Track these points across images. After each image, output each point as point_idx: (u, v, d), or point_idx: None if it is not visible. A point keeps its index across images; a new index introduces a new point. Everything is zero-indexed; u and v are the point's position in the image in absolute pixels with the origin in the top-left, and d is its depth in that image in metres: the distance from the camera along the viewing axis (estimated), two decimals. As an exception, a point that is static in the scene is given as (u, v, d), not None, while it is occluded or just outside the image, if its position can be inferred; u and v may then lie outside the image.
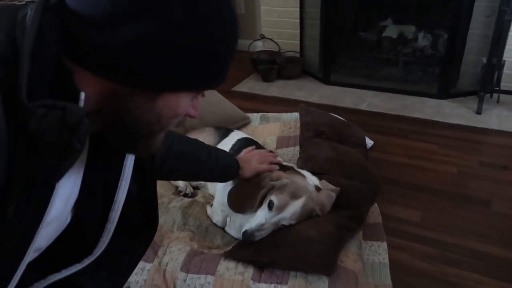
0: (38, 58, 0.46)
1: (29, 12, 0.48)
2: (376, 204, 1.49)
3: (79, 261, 0.69)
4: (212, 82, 0.59)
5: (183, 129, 1.79)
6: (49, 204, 0.52)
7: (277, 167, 1.30)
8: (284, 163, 1.40)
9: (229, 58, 0.60)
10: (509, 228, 1.46)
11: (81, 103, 0.49)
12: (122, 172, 0.67)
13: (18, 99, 0.44)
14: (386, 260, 1.33)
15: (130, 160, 0.67)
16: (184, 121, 0.64)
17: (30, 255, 0.55)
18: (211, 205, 1.42)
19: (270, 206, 1.16)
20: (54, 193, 0.52)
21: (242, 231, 1.18)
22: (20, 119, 0.45)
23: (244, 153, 1.35)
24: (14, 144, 0.45)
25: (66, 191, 0.60)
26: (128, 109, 0.55)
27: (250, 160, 1.28)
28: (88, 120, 0.48)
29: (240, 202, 1.24)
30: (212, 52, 0.55)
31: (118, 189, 0.67)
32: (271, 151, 1.44)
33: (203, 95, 0.63)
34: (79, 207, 0.65)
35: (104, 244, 0.70)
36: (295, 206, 1.16)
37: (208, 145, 1.19)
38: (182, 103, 0.58)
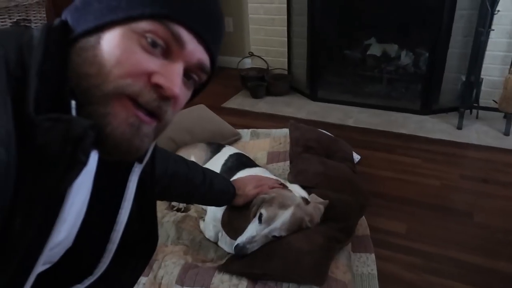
0: (45, 75, 0.49)
1: (35, 34, 0.52)
2: (363, 217, 1.54)
3: (79, 281, 0.69)
4: (143, 5, 0.51)
5: (174, 145, 1.82)
6: (58, 217, 0.53)
7: (267, 188, 1.30)
8: (272, 177, 1.44)
9: None
10: (490, 239, 1.53)
11: (73, 111, 0.51)
12: (125, 193, 0.67)
13: (26, 114, 0.47)
14: (375, 271, 1.38)
15: (132, 182, 0.68)
16: (154, 98, 0.53)
17: (39, 267, 0.55)
18: (204, 220, 1.45)
19: (260, 218, 1.20)
20: (62, 206, 0.53)
21: (234, 244, 1.21)
22: (28, 132, 0.47)
23: (244, 175, 1.34)
24: (22, 157, 0.47)
25: (78, 207, 0.61)
26: (74, 69, 0.52)
27: (246, 185, 1.27)
28: (92, 132, 0.49)
29: (234, 227, 1.27)
30: None
31: (120, 210, 0.67)
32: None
33: (171, 53, 0.54)
34: (82, 226, 0.65)
35: (104, 265, 0.70)
36: (284, 216, 1.20)
37: (205, 169, 1.17)
38: (122, 43, 0.51)
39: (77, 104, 0.51)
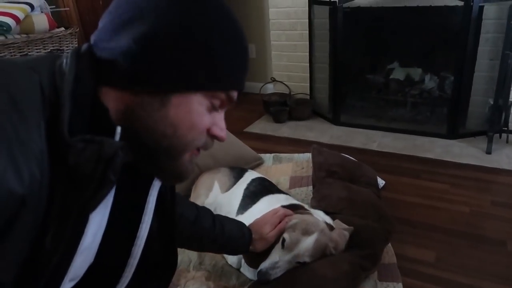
0: (76, 98, 0.52)
1: (65, 60, 0.56)
2: (390, 244, 1.50)
3: None
4: (218, 81, 0.59)
5: (198, 169, 1.84)
6: (84, 234, 0.55)
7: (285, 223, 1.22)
8: (295, 202, 1.43)
9: (236, 56, 0.61)
10: (526, 269, 1.45)
11: (117, 137, 0.54)
12: (145, 207, 0.69)
13: (60, 135, 0.49)
14: (403, 301, 1.33)
15: (153, 196, 0.69)
16: (211, 143, 0.65)
17: (66, 284, 0.57)
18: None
19: (283, 244, 1.19)
20: (88, 223, 0.54)
21: (257, 270, 1.19)
22: (61, 153, 0.49)
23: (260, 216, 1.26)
24: (55, 177, 0.49)
25: (96, 223, 0.62)
26: (142, 121, 0.57)
27: (263, 227, 1.19)
28: (122, 153, 0.52)
29: (257, 259, 1.22)
30: (210, 47, 0.57)
31: (141, 225, 0.69)
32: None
33: (223, 107, 0.64)
34: (103, 241, 0.67)
35: (126, 280, 0.71)
36: (308, 243, 1.18)
37: (216, 214, 1.12)
38: (195, 109, 0.58)
39: (122, 131, 0.56)
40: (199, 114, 0.59)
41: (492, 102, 2.34)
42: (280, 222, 1.23)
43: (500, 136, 2.42)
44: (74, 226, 0.53)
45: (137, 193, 0.69)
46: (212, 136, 0.64)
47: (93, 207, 0.54)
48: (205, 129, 0.62)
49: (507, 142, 2.40)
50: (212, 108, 0.62)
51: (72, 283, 0.65)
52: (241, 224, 1.17)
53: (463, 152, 2.37)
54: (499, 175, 2.11)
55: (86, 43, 0.60)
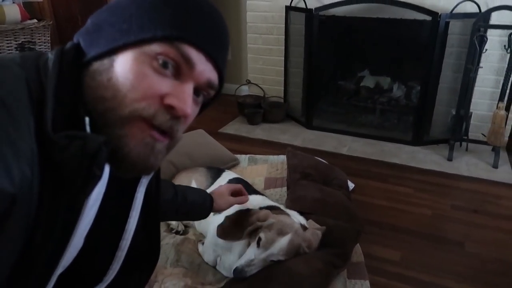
0: (59, 95, 0.53)
1: (50, 56, 0.56)
2: (358, 244, 1.58)
3: None
4: (151, 29, 0.54)
5: (174, 169, 1.85)
6: (74, 229, 0.56)
7: (248, 198, 1.34)
8: (272, 203, 1.48)
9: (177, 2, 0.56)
10: (482, 269, 1.57)
11: (87, 128, 0.54)
12: (133, 203, 0.71)
13: (45, 132, 0.50)
14: (370, 298, 1.40)
15: (140, 193, 0.71)
16: (166, 118, 0.55)
17: (59, 270, 0.59)
18: (203, 243, 1.47)
19: (259, 243, 1.24)
20: (79, 218, 0.55)
21: (233, 268, 1.23)
22: (47, 150, 0.50)
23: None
24: (44, 174, 0.50)
25: (89, 216, 0.64)
26: (90, 91, 0.55)
27: (223, 193, 1.28)
28: (106, 148, 0.52)
29: (228, 230, 1.31)
30: None
31: (129, 219, 0.70)
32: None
33: (182, 73, 0.56)
34: (92, 234, 0.68)
35: (114, 272, 0.73)
36: (282, 242, 1.24)
37: (177, 185, 1.17)
38: (135, 68, 0.54)
39: (90, 121, 0.54)
40: (140, 74, 0.54)
41: (454, 112, 2.49)
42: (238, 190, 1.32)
43: (461, 145, 2.58)
44: (64, 221, 0.54)
45: (125, 189, 0.70)
46: (167, 107, 0.55)
47: (81, 202, 0.55)
48: (152, 94, 0.54)
49: (466, 150, 2.56)
50: (162, 68, 0.55)
51: (64, 268, 0.67)
52: (201, 190, 1.25)
53: (426, 158, 2.50)
54: (459, 181, 2.25)
55: (71, 42, 0.60)
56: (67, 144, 0.50)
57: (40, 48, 2.62)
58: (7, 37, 2.41)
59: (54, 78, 0.53)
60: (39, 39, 2.62)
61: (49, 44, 2.69)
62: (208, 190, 1.59)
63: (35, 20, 2.60)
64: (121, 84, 0.53)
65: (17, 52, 2.47)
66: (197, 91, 0.60)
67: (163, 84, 0.55)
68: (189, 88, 0.57)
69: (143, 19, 0.55)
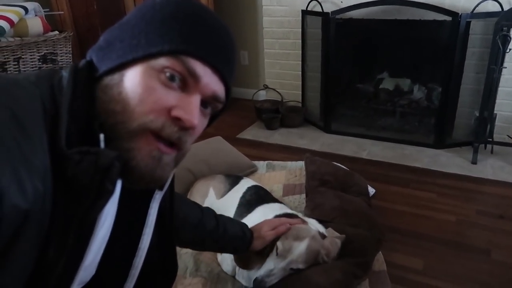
0: (74, 112, 0.54)
1: (64, 74, 0.58)
2: (380, 252, 1.55)
3: None
4: (157, 44, 0.56)
5: (192, 176, 1.86)
6: (88, 245, 0.56)
7: (286, 229, 1.26)
8: (289, 211, 1.47)
9: (181, 18, 0.58)
10: (508, 277, 1.51)
11: (102, 144, 0.55)
12: (147, 219, 0.71)
13: (58, 148, 0.51)
14: (392, 308, 1.37)
15: (153, 209, 0.71)
16: (173, 129, 0.57)
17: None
18: (221, 253, 1.47)
19: (277, 252, 1.23)
20: (93, 234, 0.56)
21: (253, 278, 1.23)
22: (60, 165, 0.51)
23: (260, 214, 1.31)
24: (57, 189, 0.51)
25: (102, 234, 0.64)
26: (102, 105, 0.57)
27: (261, 228, 1.24)
28: (118, 163, 0.53)
29: (246, 258, 1.27)
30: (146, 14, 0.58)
31: (142, 236, 0.71)
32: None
33: (188, 86, 0.58)
34: (106, 252, 0.68)
35: None
36: (300, 248, 1.22)
37: (219, 215, 1.15)
38: (143, 81, 0.55)
39: (105, 138, 0.55)
40: (148, 88, 0.55)
41: (477, 114, 2.42)
42: (279, 225, 1.27)
43: (485, 147, 2.50)
44: (77, 236, 0.54)
45: (138, 206, 0.71)
46: (175, 119, 0.56)
47: (94, 217, 0.55)
48: (159, 107, 0.56)
49: (491, 152, 2.48)
50: (169, 81, 0.56)
51: (80, 286, 0.67)
52: (242, 224, 1.21)
53: (449, 162, 2.44)
54: (483, 185, 2.19)
55: (84, 59, 0.62)
56: (80, 159, 0.51)
57: (62, 59, 2.69)
58: (30, 49, 2.48)
59: (68, 96, 0.55)
60: (60, 50, 2.69)
61: (71, 55, 2.76)
62: (225, 196, 1.60)
63: (57, 32, 2.67)
64: (130, 98, 0.55)
65: (48, 67, 2.55)
66: (204, 103, 0.62)
67: (170, 97, 0.57)
68: (195, 100, 0.59)
69: (151, 35, 0.57)
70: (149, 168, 0.57)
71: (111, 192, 0.54)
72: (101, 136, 0.55)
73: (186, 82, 0.58)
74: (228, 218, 1.20)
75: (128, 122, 0.55)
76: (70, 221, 0.52)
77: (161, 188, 0.71)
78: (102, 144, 0.55)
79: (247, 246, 1.19)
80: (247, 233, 1.19)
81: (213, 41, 0.60)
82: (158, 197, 0.71)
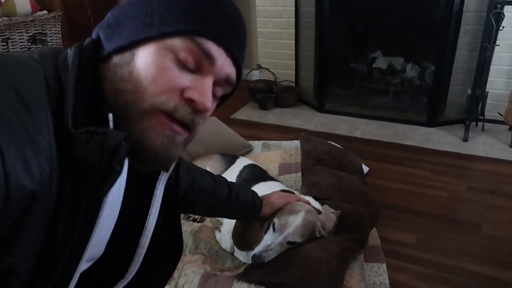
0: (80, 91, 0.53)
1: (69, 53, 0.56)
2: (374, 228, 1.58)
3: (112, 285, 0.73)
4: (173, 24, 0.54)
5: (189, 157, 1.87)
6: (95, 223, 0.56)
7: (295, 198, 1.32)
8: (286, 189, 1.48)
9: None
10: (498, 250, 1.57)
11: (111, 124, 0.54)
12: (153, 199, 0.71)
13: (65, 128, 0.50)
14: (387, 281, 1.41)
15: (159, 190, 0.71)
16: (187, 111, 0.56)
17: (83, 265, 0.59)
18: (220, 230, 1.50)
19: (274, 227, 1.25)
20: (100, 213, 0.56)
21: (251, 254, 1.25)
22: (67, 145, 0.50)
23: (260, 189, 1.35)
24: (64, 170, 0.50)
25: (110, 214, 0.65)
26: (112, 84, 0.55)
27: (270, 197, 1.29)
28: (126, 143, 0.52)
29: (245, 239, 1.30)
30: None
31: (148, 216, 0.71)
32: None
33: (202, 67, 0.56)
34: (114, 232, 0.69)
35: (135, 268, 0.73)
36: (296, 221, 1.24)
37: (231, 182, 1.17)
38: (157, 61, 0.54)
39: (114, 118, 0.55)
40: (161, 68, 0.54)
41: (469, 92, 2.45)
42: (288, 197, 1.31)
43: (477, 125, 2.54)
44: (86, 215, 0.54)
45: (145, 187, 0.71)
46: (188, 101, 0.56)
47: (102, 197, 0.55)
48: (172, 88, 0.55)
49: (483, 130, 2.52)
50: (183, 63, 0.55)
51: (88, 264, 0.68)
52: (253, 191, 1.26)
53: (441, 139, 2.48)
54: (475, 162, 2.23)
55: (90, 38, 0.61)
56: (87, 139, 0.50)
57: (51, 39, 2.63)
58: (18, 29, 2.42)
59: (74, 74, 0.54)
60: (50, 30, 2.63)
61: (60, 35, 2.70)
62: (223, 175, 1.62)
63: (45, 11, 2.60)
64: (142, 77, 0.54)
65: (37, 48, 2.49)
66: (215, 86, 0.61)
67: (184, 78, 0.56)
68: (208, 82, 0.57)
69: (165, 13, 0.55)
70: (164, 147, 0.57)
71: (119, 172, 0.53)
72: (110, 115, 0.54)
73: (200, 64, 0.56)
74: (240, 185, 1.24)
75: (139, 102, 0.54)
76: (78, 201, 0.52)
77: (166, 170, 0.71)
78: (111, 124, 0.54)
79: (256, 213, 1.24)
80: (257, 201, 1.24)
81: (228, 23, 0.59)
82: (163, 178, 0.72)
